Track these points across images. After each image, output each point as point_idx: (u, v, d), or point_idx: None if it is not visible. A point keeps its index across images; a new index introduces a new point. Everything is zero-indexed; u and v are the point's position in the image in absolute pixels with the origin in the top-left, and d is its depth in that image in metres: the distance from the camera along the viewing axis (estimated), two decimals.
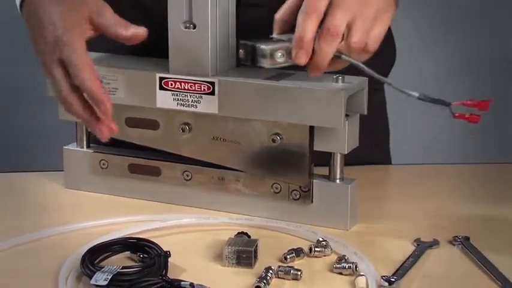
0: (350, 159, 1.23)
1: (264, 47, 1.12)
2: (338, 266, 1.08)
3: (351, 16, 1.11)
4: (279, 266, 1.07)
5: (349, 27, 1.11)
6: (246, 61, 1.16)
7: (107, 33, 1.17)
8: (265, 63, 1.13)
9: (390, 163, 1.53)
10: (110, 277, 1.02)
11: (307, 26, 1.09)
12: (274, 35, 1.15)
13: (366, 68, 1.10)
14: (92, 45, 1.46)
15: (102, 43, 1.45)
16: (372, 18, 1.12)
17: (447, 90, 2.75)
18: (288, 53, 1.12)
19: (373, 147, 1.37)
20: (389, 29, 1.46)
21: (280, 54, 1.12)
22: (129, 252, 1.14)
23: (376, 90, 1.44)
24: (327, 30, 1.09)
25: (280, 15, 1.16)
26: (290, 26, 1.14)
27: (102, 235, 1.17)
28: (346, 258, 1.09)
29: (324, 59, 1.11)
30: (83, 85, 1.11)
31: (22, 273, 1.10)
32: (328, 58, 1.11)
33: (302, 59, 1.11)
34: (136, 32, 1.16)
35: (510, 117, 3.01)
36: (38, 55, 1.15)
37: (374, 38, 1.13)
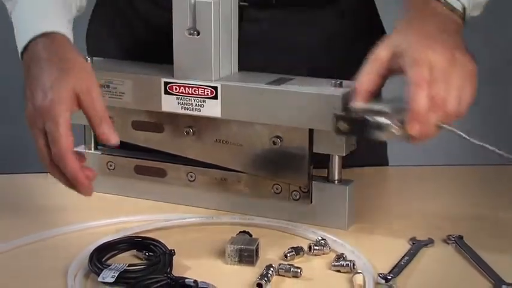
0: (348, 161, 1.24)
1: (380, 120, 1.10)
2: (336, 264, 1.09)
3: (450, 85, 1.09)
4: (280, 264, 1.07)
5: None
6: (350, 132, 1.14)
7: (85, 114, 1.11)
8: (381, 136, 1.11)
9: (387, 165, 1.53)
10: (116, 274, 1.03)
11: (421, 99, 1.07)
12: (358, 104, 1.13)
13: (467, 137, 1.09)
14: (101, 50, 1.47)
15: (110, 48, 1.46)
16: (462, 85, 1.10)
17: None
18: (401, 123, 1.09)
19: (370, 150, 1.37)
20: (382, 28, 1.46)
21: (395, 126, 1.09)
22: (135, 250, 1.14)
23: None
24: (435, 101, 1.07)
25: (363, 85, 1.13)
26: (373, 95, 1.13)
27: (108, 234, 1.17)
28: (344, 256, 1.10)
29: (432, 128, 1.08)
30: (63, 169, 1.08)
31: (31, 271, 1.10)
32: (434, 127, 1.09)
33: (417, 131, 1.08)
34: (106, 133, 1.10)
35: (509, 118, 2.98)
36: (26, 112, 1.11)
37: (465, 103, 1.10)
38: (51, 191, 1.36)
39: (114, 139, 1.10)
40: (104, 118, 1.11)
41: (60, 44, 1.17)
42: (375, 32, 1.44)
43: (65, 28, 1.20)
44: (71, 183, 1.08)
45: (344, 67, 1.21)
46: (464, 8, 1.19)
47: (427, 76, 1.07)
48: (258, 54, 1.33)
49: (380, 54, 1.12)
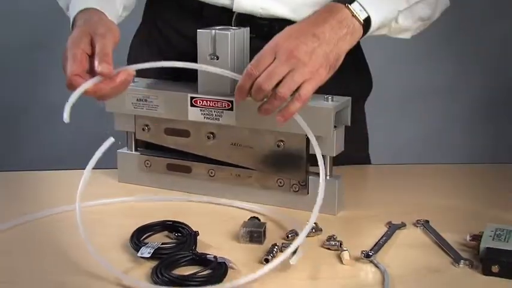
0: (337, 160, 1.23)
1: None
2: (327, 243, 1.09)
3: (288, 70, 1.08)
4: (283, 243, 1.07)
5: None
6: None
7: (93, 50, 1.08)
8: None
9: (370, 163, 1.53)
10: (152, 251, 1.03)
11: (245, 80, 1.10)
12: None
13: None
14: (138, 70, 1.46)
15: (146, 69, 1.45)
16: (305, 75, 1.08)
17: (447, 90, 2.70)
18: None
19: (355, 151, 1.36)
20: (364, 59, 1.45)
21: None
22: (166, 231, 1.14)
23: (358, 107, 1.45)
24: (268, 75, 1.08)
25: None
26: None
27: (147, 215, 1.17)
28: (334, 237, 1.09)
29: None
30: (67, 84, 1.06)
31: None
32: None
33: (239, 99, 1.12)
34: (104, 72, 1.05)
35: (464, 122, 2.89)
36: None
37: (299, 98, 1.09)
38: (98, 184, 1.37)
39: (106, 69, 1.05)
40: (106, 56, 1.06)
41: (93, 13, 1.17)
42: (352, 56, 1.43)
43: (99, 5, 1.19)
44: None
45: (330, 85, 1.21)
46: (368, 19, 1.15)
47: (256, 70, 1.08)
48: None
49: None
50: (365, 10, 1.14)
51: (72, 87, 1.05)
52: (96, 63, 1.05)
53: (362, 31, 1.15)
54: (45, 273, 1.01)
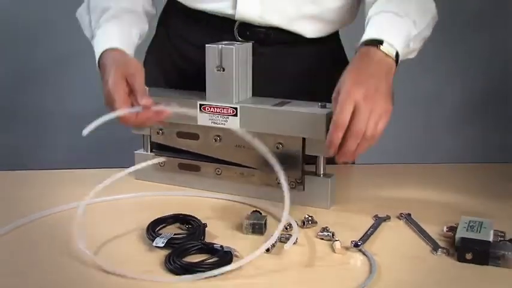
0: (330, 160, 1.21)
1: None
2: (321, 234, 1.09)
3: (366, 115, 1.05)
4: (281, 234, 1.07)
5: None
6: None
7: (131, 88, 1.15)
8: None
9: (353, 163, 1.51)
10: (166, 241, 1.03)
11: (334, 136, 1.06)
12: None
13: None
14: (152, 80, 1.47)
15: (160, 81, 1.46)
16: (377, 121, 1.06)
17: (448, 90, 2.67)
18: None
19: None
20: None
21: None
22: (178, 223, 1.14)
23: None
24: (352, 132, 1.05)
25: (334, 143, 1.08)
26: None
27: (161, 209, 1.17)
28: (327, 228, 1.09)
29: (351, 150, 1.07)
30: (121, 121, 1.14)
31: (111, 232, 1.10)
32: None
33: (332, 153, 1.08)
34: (147, 104, 1.13)
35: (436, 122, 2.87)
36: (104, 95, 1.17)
37: (377, 134, 1.06)
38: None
39: (150, 102, 1.13)
40: (141, 92, 1.14)
41: (118, 53, 1.21)
42: (340, 61, 1.42)
43: (123, 45, 1.23)
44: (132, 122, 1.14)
45: (326, 93, 1.22)
46: (397, 53, 1.13)
47: (346, 121, 1.04)
48: (261, 78, 1.31)
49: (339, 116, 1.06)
50: (393, 47, 1.13)
51: (129, 122, 1.14)
52: (138, 98, 1.13)
53: (395, 64, 1.14)
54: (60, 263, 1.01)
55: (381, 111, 1.06)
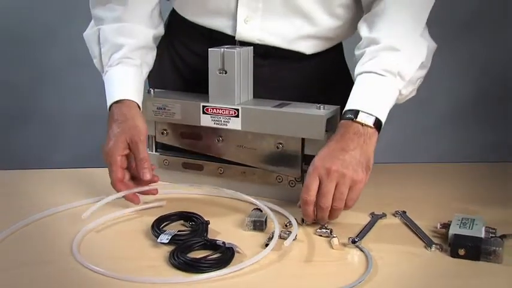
0: None
1: None
2: (319, 230, 1.09)
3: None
4: (281, 231, 1.07)
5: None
6: None
7: (133, 155, 1.19)
8: None
9: None
10: (170, 237, 1.03)
11: (307, 211, 1.09)
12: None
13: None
14: (158, 82, 1.48)
15: (167, 82, 1.46)
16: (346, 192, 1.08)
17: (441, 91, 2.66)
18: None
19: None
20: (350, 76, 1.42)
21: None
22: (182, 221, 1.14)
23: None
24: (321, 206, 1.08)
25: (309, 217, 1.10)
26: None
27: (166, 207, 1.17)
28: (325, 225, 1.09)
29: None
30: (114, 188, 1.17)
31: (118, 234, 1.11)
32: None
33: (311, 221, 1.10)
34: (143, 172, 1.17)
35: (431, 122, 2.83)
36: (102, 152, 1.19)
37: (351, 200, 1.08)
38: None
39: (148, 176, 1.17)
40: (144, 160, 1.17)
41: (127, 108, 1.22)
42: (340, 72, 1.42)
43: (133, 96, 1.23)
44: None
45: (324, 98, 1.22)
46: (377, 119, 1.12)
47: (311, 196, 1.07)
48: (262, 88, 1.31)
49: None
50: (371, 114, 1.12)
51: (117, 190, 1.17)
52: (138, 171, 1.17)
53: (376, 131, 1.12)
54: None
55: (349, 183, 1.06)
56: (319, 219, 1.09)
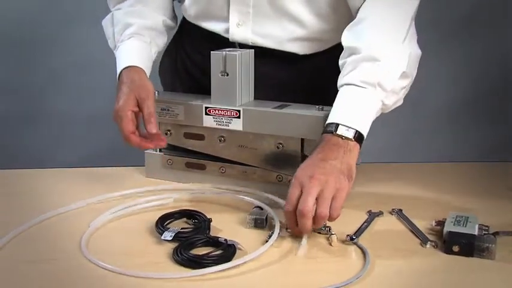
0: None
1: None
2: (318, 228, 1.07)
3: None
4: (281, 228, 1.07)
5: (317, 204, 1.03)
6: None
7: (140, 112, 1.20)
8: None
9: None
10: (173, 234, 1.04)
11: (288, 220, 1.05)
12: None
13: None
14: (165, 84, 1.49)
15: (172, 84, 1.47)
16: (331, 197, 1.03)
17: (437, 90, 2.66)
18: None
19: None
20: None
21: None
22: (185, 218, 1.14)
23: None
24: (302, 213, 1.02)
25: (291, 225, 1.06)
26: None
27: (169, 205, 1.17)
28: (324, 223, 1.07)
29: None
30: (125, 140, 1.19)
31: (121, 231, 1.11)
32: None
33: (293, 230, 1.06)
34: (150, 126, 1.18)
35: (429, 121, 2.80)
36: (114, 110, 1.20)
37: (335, 209, 1.03)
38: (129, 179, 1.36)
39: (154, 130, 1.18)
40: (151, 115, 1.18)
41: (135, 72, 1.25)
42: (338, 73, 1.43)
43: (141, 63, 1.27)
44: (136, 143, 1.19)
45: (323, 100, 1.22)
46: (357, 132, 1.10)
47: (293, 205, 1.02)
48: (260, 87, 1.31)
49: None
50: (351, 128, 1.10)
51: (130, 142, 1.18)
52: (145, 124, 1.19)
53: (358, 143, 1.10)
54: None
55: (332, 190, 1.02)
56: (301, 228, 1.03)
